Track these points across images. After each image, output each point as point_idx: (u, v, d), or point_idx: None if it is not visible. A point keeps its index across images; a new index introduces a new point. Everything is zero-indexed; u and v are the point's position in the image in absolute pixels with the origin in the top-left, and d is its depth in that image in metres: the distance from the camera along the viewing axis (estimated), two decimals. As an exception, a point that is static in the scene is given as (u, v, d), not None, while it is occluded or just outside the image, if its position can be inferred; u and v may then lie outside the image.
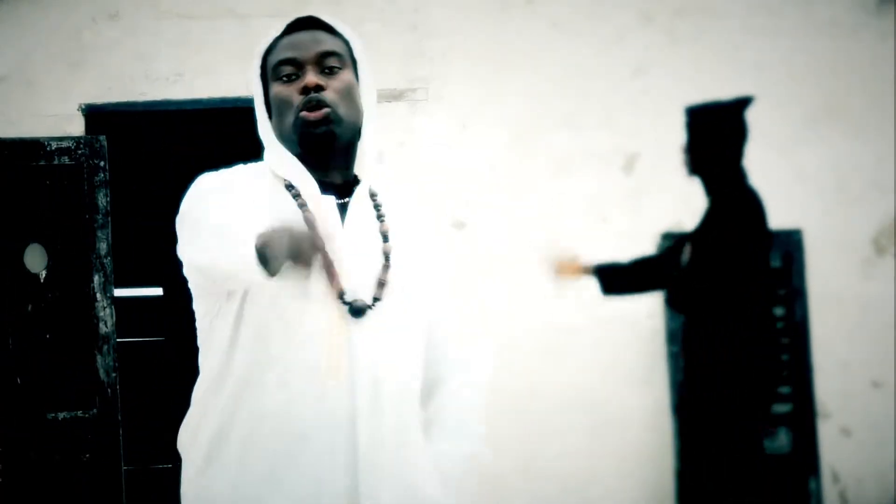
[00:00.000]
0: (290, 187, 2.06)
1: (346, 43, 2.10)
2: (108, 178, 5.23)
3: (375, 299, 2.03)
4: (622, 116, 5.59)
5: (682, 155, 4.34)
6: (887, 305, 5.52)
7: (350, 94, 2.07)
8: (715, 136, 4.24)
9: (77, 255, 5.15)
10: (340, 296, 2.00)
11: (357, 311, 2.00)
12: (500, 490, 5.43)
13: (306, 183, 2.05)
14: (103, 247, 5.17)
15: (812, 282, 5.43)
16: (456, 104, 5.55)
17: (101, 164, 5.23)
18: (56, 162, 5.20)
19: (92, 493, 5.11)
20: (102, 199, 5.21)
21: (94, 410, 5.13)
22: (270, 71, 2.09)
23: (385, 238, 2.08)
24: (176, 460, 2.10)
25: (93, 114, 5.46)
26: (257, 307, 2.00)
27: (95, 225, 5.19)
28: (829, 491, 5.44)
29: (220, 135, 6.14)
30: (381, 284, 2.04)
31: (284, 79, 2.06)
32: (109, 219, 5.20)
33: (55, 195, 5.18)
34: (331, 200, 2.04)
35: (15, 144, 5.20)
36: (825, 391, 5.44)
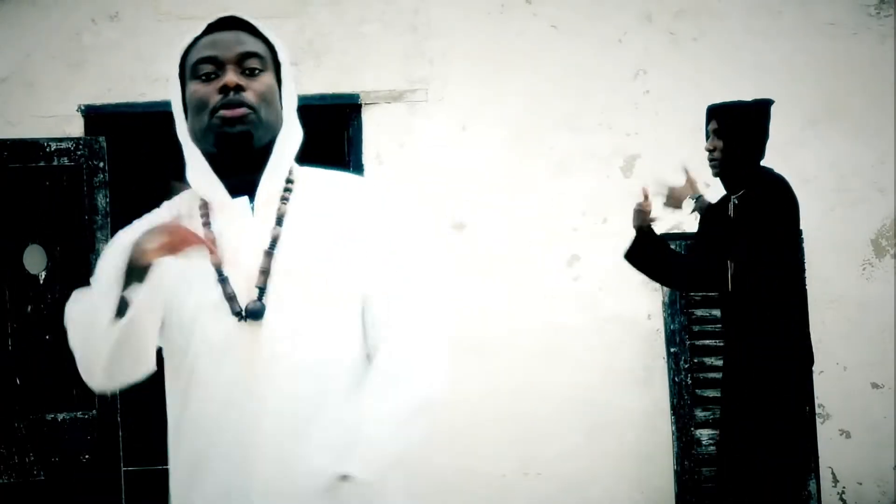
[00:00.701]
0: (203, 206, 2.01)
1: (270, 46, 2.03)
2: (107, 178, 5.23)
3: (260, 291, 1.95)
4: (622, 116, 5.59)
5: (710, 157, 4.23)
6: (887, 307, 5.51)
7: (270, 98, 1.99)
8: (746, 136, 4.21)
9: (76, 256, 5.15)
10: (236, 303, 1.95)
11: (252, 312, 1.94)
12: (500, 490, 5.43)
13: (215, 190, 1.99)
14: (102, 248, 5.16)
15: (811, 283, 5.43)
16: (456, 105, 5.55)
17: (101, 164, 5.23)
18: (55, 163, 5.19)
19: (92, 493, 5.10)
20: (102, 200, 5.21)
21: (94, 411, 5.13)
22: (189, 69, 2.00)
23: (279, 221, 1.98)
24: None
25: (92, 114, 5.45)
26: (190, 332, 1.98)
27: (95, 226, 5.19)
28: (828, 492, 5.44)
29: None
30: (264, 273, 1.95)
31: (203, 77, 1.98)
32: (109, 220, 5.20)
33: (54, 196, 5.18)
34: (243, 202, 1.99)
35: (14, 145, 5.20)
36: (824, 392, 5.43)
